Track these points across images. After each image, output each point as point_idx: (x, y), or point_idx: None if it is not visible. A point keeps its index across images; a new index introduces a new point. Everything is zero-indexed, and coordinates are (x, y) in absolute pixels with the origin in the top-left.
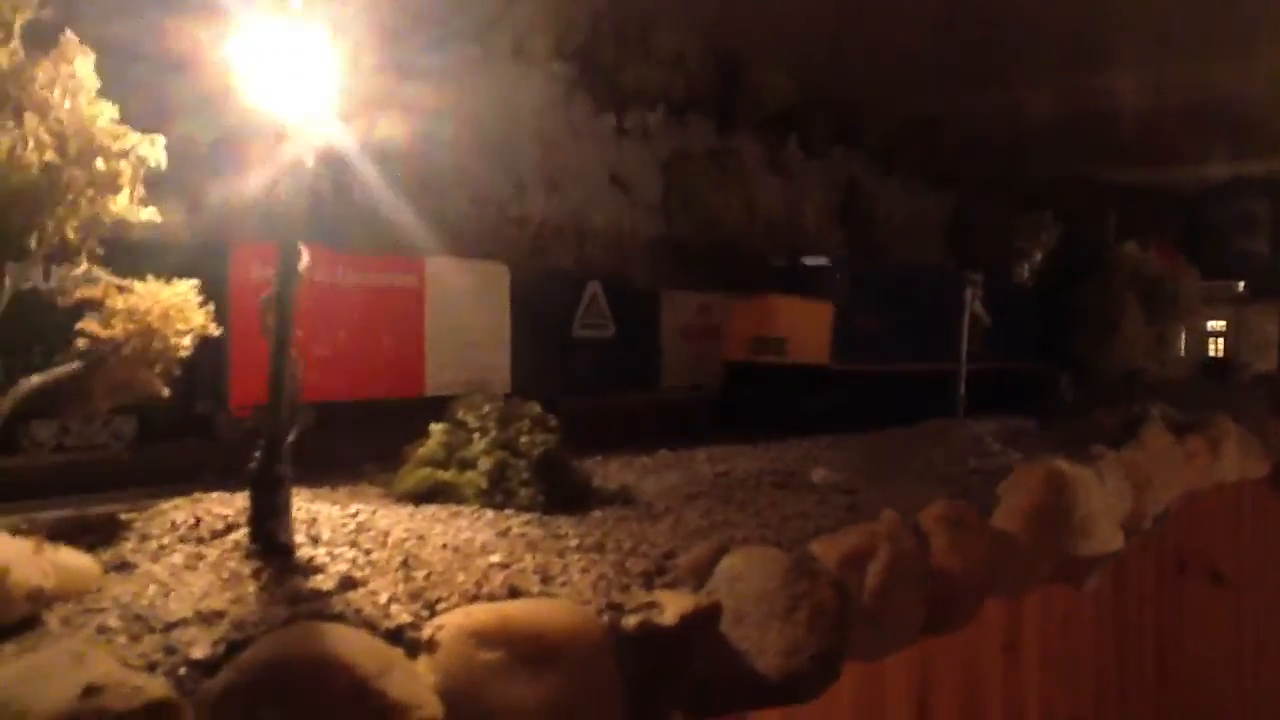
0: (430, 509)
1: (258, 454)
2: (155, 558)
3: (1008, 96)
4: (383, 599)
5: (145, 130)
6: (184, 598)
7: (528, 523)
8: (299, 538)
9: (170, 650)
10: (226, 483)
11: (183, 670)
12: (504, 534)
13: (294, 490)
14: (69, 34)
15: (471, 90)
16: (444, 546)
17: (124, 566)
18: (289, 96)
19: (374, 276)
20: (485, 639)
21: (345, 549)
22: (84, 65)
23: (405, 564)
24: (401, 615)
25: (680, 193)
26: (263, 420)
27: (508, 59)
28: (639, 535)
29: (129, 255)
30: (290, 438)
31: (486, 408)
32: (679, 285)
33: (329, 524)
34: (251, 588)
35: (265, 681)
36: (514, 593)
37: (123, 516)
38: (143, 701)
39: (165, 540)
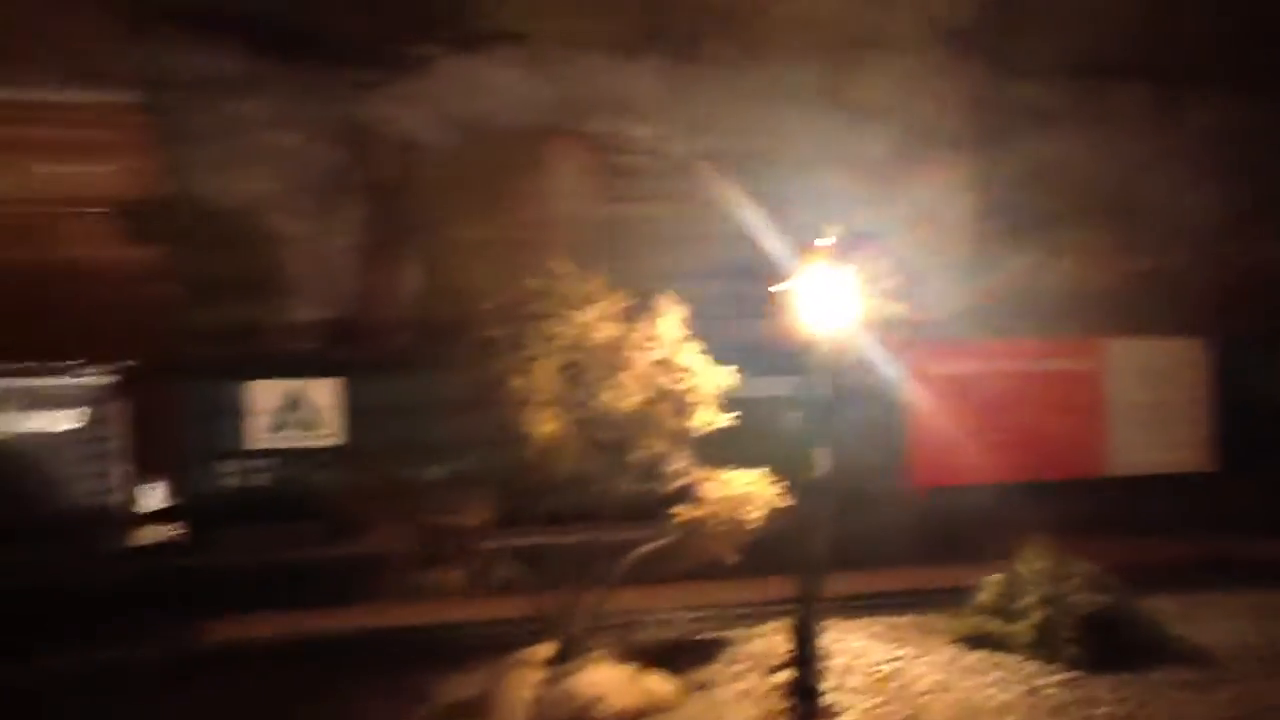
0: (975, 656)
1: (797, 608)
2: (730, 682)
3: None
4: None
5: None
6: None
7: (1065, 683)
8: (832, 680)
9: None
10: None
11: None
12: (1032, 692)
13: (868, 618)
14: (662, 298)
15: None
16: (959, 703)
17: (705, 687)
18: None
19: (1050, 361)
20: None
21: (865, 697)
22: (670, 321)
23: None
24: None
25: None
26: (798, 586)
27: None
28: (1180, 710)
29: None
30: (815, 600)
31: (1039, 563)
32: None
33: (864, 668)
34: None
35: None
36: None
37: (726, 635)
38: None
39: (740, 667)
